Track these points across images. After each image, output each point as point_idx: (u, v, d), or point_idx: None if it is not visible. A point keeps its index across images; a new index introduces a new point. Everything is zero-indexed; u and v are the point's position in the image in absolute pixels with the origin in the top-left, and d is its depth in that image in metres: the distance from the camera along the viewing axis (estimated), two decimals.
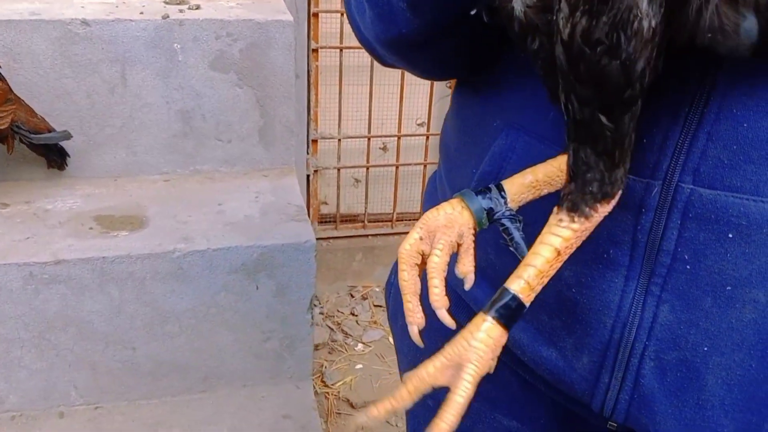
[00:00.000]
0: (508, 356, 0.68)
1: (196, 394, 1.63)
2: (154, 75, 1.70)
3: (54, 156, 1.66)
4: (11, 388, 1.53)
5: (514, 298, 0.52)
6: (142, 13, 1.70)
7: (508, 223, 0.55)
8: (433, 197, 0.83)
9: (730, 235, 0.52)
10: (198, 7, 1.78)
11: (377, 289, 2.70)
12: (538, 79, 0.53)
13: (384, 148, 2.77)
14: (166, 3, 1.81)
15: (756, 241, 0.52)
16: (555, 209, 0.53)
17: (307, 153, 2.67)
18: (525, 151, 0.62)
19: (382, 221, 2.83)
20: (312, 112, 2.63)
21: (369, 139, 2.67)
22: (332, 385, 2.27)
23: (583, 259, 0.58)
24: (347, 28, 2.50)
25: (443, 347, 0.53)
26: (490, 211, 0.55)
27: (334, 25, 2.56)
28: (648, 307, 0.57)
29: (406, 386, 0.52)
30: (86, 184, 1.73)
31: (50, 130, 1.62)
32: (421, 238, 0.55)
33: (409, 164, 2.77)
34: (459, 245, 0.56)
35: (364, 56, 2.56)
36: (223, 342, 1.60)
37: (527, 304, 0.53)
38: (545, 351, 0.65)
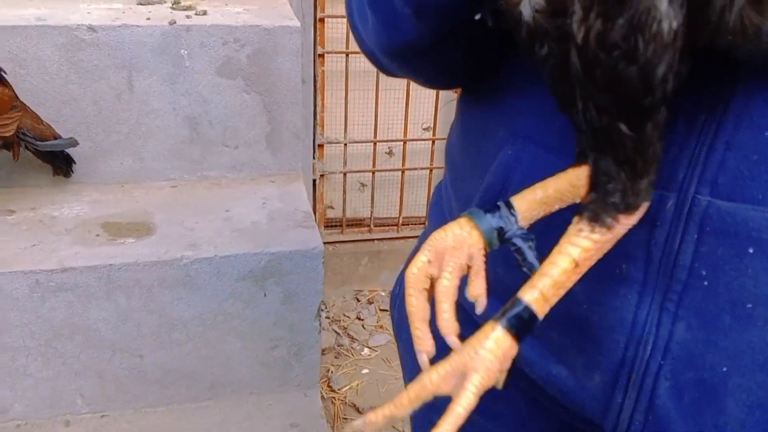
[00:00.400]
0: (515, 373, 0.66)
1: (203, 402, 1.62)
2: (161, 81, 1.70)
3: (60, 163, 1.65)
4: (17, 396, 1.52)
5: (527, 308, 0.49)
6: (148, 18, 1.69)
7: (520, 243, 0.52)
8: (438, 207, 0.82)
9: (751, 250, 0.50)
10: (205, 13, 1.77)
11: (383, 294, 2.69)
12: (545, 87, 0.51)
13: (390, 153, 2.76)
14: (173, 9, 1.80)
15: None
16: (575, 218, 0.51)
17: (314, 157, 2.66)
18: (532, 162, 0.60)
19: (388, 225, 2.82)
20: (318, 116, 2.62)
21: (375, 143, 2.66)
22: (339, 390, 2.26)
23: (594, 275, 0.55)
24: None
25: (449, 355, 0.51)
26: (500, 231, 0.52)
27: (340, 30, 2.55)
28: (663, 324, 0.55)
29: (407, 393, 0.50)
30: (93, 191, 1.73)
31: (56, 137, 1.61)
32: (429, 261, 0.53)
33: (415, 169, 2.76)
34: (469, 267, 0.53)
35: None
36: (231, 350, 1.59)
37: (541, 316, 0.50)
38: (555, 369, 0.63)
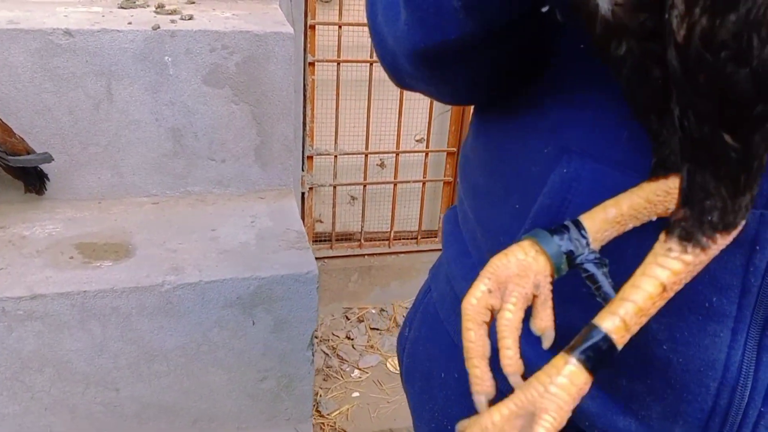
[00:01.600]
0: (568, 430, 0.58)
1: None
2: (142, 90, 1.58)
3: (32, 180, 1.52)
4: None
5: (606, 338, 0.43)
6: (130, 23, 1.57)
7: (593, 269, 0.46)
8: (456, 237, 0.73)
9: None
10: (191, 17, 1.66)
11: (373, 311, 2.59)
12: (603, 95, 0.48)
13: (382, 165, 2.66)
14: (157, 12, 1.68)
15: None
16: (662, 236, 0.44)
17: (303, 170, 2.56)
18: (594, 180, 0.53)
19: (379, 240, 2.72)
20: (308, 127, 2.52)
21: (366, 155, 2.57)
22: (328, 415, 2.16)
23: (677, 309, 0.49)
24: (345, 40, 2.39)
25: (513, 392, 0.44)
26: (570, 255, 0.47)
27: (331, 37, 2.45)
28: (763, 365, 0.49)
29: None
30: (68, 207, 1.60)
31: (29, 151, 1.48)
32: (489, 291, 0.47)
33: (408, 182, 2.67)
34: (534, 297, 0.47)
35: (362, 70, 2.46)
36: (216, 382, 1.47)
37: (620, 347, 0.44)
38: (622, 422, 0.55)
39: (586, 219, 0.48)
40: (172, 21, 1.62)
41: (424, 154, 2.65)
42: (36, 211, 1.57)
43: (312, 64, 2.45)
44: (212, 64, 1.61)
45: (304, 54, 2.42)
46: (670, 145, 0.45)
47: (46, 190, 1.57)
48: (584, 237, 0.47)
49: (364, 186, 2.65)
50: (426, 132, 2.60)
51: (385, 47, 0.60)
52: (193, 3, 1.80)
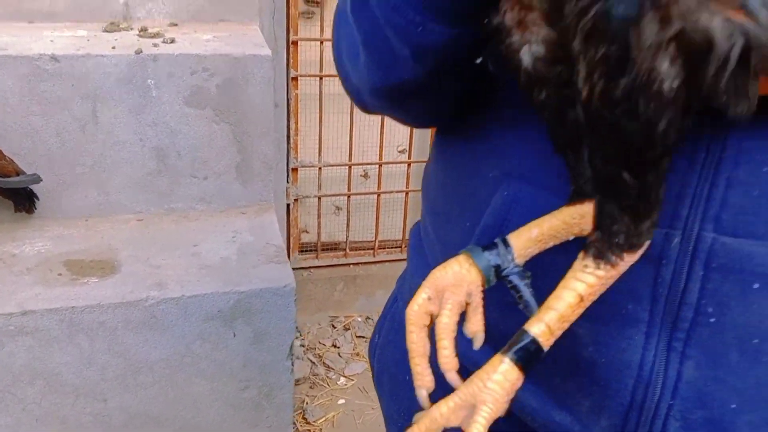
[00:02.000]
0: (515, 426, 0.65)
1: None
2: (126, 112, 1.64)
3: (22, 200, 1.59)
4: None
5: (534, 341, 0.51)
6: (114, 47, 1.64)
7: (516, 280, 0.54)
8: (419, 251, 0.79)
9: (756, 285, 0.51)
10: (173, 41, 1.72)
11: (359, 320, 2.65)
12: (540, 127, 0.53)
13: (365, 176, 2.73)
14: (140, 36, 1.75)
15: None
16: (580, 254, 0.52)
17: (287, 182, 2.62)
18: (531, 202, 0.60)
19: (364, 249, 2.78)
20: (292, 140, 2.58)
21: (350, 166, 2.63)
22: (314, 422, 2.21)
23: (599, 317, 0.56)
24: (327, 55, 2.46)
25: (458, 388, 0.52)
26: (497, 268, 0.54)
27: (313, 53, 2.52)
28: (672, 364, 0.55)
29: (418, 427, 0.52)
30: (56, 225, 1.67)
31: (19, 172, 1.55)
32: (429, 298, 0.54)
33: (391, 192, 2.73)
34: (467, 304, 0.54)
35: None
36: (199, 392, 1.53)
37: (546, 349, 0.51)
38: (558, 415, 0.62)
39: (513, 237, 0.55)
40: (155, 45, 1.69)
41: (406, 164, 2.71)
42: (26, 229, 1.64)
43: (295, 78, 2.52)
44: (193, 86, 1.67)
45: (287, 69, 2.48)
46: (584, 176, 0.52)
47: (35, 209, 1.64)
48: (510, 253, 0.54)
49: (349, 197, 2.71)
50: (408, 143, 2.67)
51: (350, 82, 0.67)
52: (176, 25, 1.86)
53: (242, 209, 1.80)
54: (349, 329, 2.60)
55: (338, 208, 2.79)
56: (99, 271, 1.52)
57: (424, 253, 0.77)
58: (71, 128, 1.62)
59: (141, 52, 1.63)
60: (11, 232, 1.63)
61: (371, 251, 2.77)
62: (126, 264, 1.54)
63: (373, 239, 2.77)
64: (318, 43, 2.48)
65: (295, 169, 2.62)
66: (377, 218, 2.76)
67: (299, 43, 2.49)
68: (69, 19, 1.79)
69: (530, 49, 0.47)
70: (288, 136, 2.58)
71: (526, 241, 0.54)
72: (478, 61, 0.55)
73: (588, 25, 0.40)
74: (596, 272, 0.51)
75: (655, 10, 0.38)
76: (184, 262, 1.56)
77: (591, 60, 0.42)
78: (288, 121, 2.55)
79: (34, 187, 1.62)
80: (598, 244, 0.51)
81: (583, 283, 0.51)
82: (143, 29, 1.77)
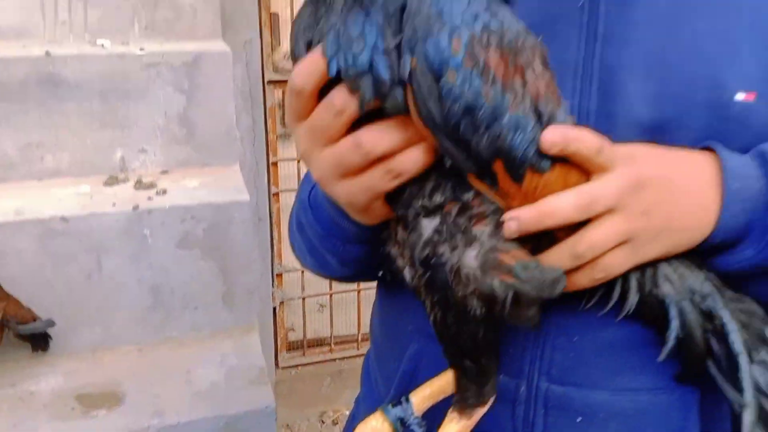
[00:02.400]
0: None
1: None
2: (126, 259, 1.91)
3: (38, 341, 1.84)
4: None
5: None
6: (114, 204, 1.92)
7: (416, 429, 0.75)
8: (369, 378, 0.99)
9: (579, 419, 0.72)
10: (165, 192, 2.00)
11: (347, 413, 2.84)
12: None
13: None
14: (137, 188, 2.03)
15: (597, 422, 0.71)
16: (450, 409, 0.74)
17: (273, 286, 2.88)
18: (435, 357, 0.78)
19: (348, 342, 3.02)
20: (275, 248, 2.84)
21: None
22: None
23: None
24: (303, 169, 2.74)
25: None
26: (402, 420, 0.74)
27: (291, 168, 2.81)
28: None
29: None
30: (66, 360, 1.92)
31: (35, 318, 1.81)
32: None
33: (370, 288, 2.97)
34: None
35: None
36: None
37: None
38: None
39: (413, 395, 0.77)
40: (149, 198, 1.97)
41: None
42: (40, 366, 1.89)
43: (276, 194, 2.80)
44: (183, 232, 1.95)
45: (268, 187, 2.77)
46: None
47: (49, 347, 1.89)
48: (410, 408, 0.76)
49: (331, 295, 2.96)
50: None
51: (301, 253, 0.92)
52: (166, 173, 2.15)
53: (228, 332, 2.05)
54: (337, 423, 2.81)
55: (322, 306, 3.04)
56: (106, 402, 1.76)
57: (371, 382, 0.98)
58: (79, 278, 1.89)
59: (137, 207, 1.91)
60: (28, 369, 1.88)
61: (355, 344, 3.01)
62: (129, 394, 1.79)
63: (356, 333, 3.01)
64: (295, 161, 2.77)
65: (279, 275, 2.87)
66: (359, 313, 3.01)
67: (279, 162, 2.78)
68: (73, 174, 2.07)
69: (408, 271, 0.69)
70: (272, 245, 2.85)
71: (421, 398, 0.75)
72: (380, 273, 0.82)
73: (425, 282, 0.66)
74: (459, 422, 0.72)
75: (457, 280, 0.63)
76: (179, 390, 1.81)
77: (431, 299, 0.67)
78: (271, 231, 2.82)
79: (48, 330, 1.88)
80: (459, 404, 0.72)
81: (453, 429, 0.72)
82: (138, 181, 2.05)
